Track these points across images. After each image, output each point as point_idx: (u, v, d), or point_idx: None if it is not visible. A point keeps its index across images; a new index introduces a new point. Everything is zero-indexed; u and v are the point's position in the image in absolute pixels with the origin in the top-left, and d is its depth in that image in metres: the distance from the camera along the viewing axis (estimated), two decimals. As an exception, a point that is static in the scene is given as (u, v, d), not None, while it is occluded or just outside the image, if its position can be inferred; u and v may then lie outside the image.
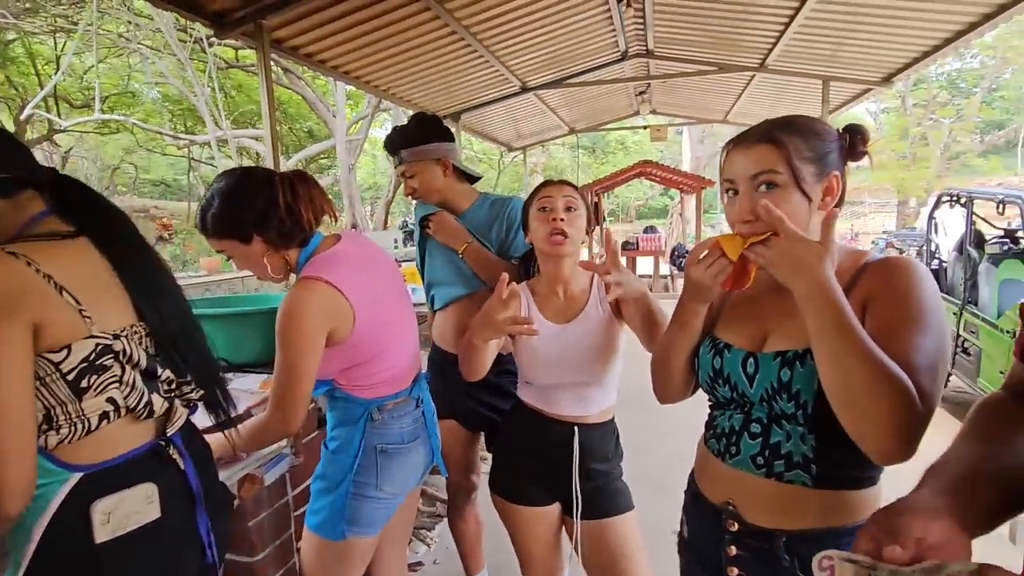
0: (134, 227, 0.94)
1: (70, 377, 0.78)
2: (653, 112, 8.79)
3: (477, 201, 1.72)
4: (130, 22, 8.71)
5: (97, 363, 0.80)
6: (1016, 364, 0.72)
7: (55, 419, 0.78)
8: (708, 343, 0.94)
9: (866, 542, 0.56)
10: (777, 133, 0.81)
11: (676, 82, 6.90)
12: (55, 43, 9.73)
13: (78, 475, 0.79)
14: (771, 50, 5.06)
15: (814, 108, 5.76)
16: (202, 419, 1.03)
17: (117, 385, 0.83)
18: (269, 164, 3.18)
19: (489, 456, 1.83)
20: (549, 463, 1.33)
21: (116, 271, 0.86)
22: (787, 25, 4.41)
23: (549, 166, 24.06)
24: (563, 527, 1.42)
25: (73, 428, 0.79)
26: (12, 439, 0.71)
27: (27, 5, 8.32)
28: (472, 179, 1.76)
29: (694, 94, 7.76)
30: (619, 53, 5.85)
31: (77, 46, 9.13)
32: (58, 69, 9.47)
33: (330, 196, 1.29)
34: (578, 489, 1.29)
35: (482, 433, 1.83)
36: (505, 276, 1.11)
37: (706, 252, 0.84)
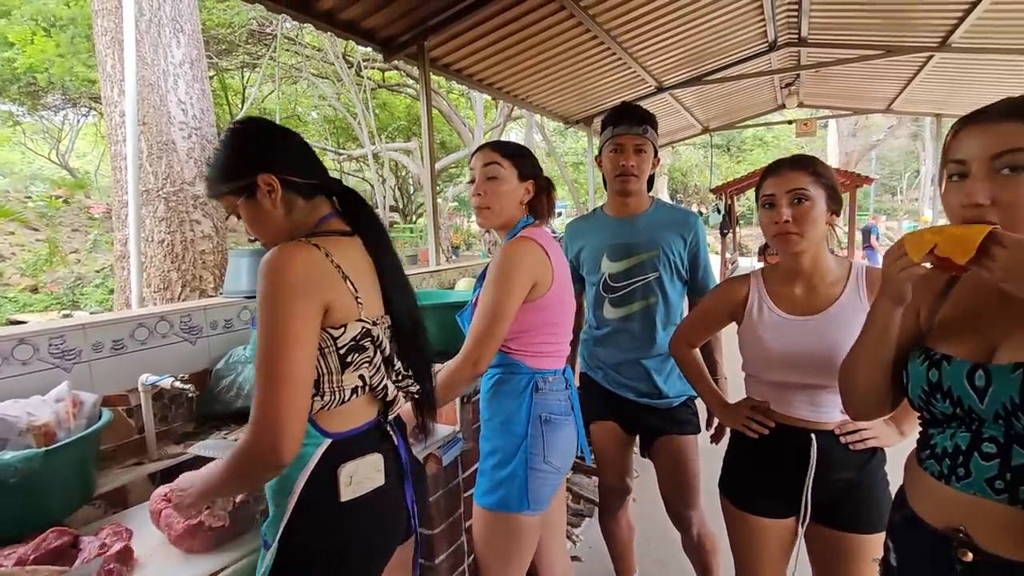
0: (388, 234, 1.09)
1: (342, 351, 0.91)
2: (800, 105, 8.09)
3: (654, 204, 1.76)
4: (304, 54, 9.99)
5: (360, 343, 0.93)
6: None
7: (322, 386, 0.90)
8: (919, 355, 0.86)
9: None
10: None
11: (830, 71, 6.27)
12: (242, 76, 11.50)
13: (328, 441, 0.91)
14: (957, 26, 4.40)
15: (1007, 91, 4.87)
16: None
17: (368, 365, 0.95)
18: (425, 173, 3.45)
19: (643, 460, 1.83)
20: (784, 474, 1.23)
21: (376, 267, 1.00)
22: (981, -6, 3.82)
23: (675, 167, 23.13)
24: (794, 540, 1.30)
25: (333, 397, 0.91)
26: (300, 397, 0.83)
27: (223, 46, 9.94)
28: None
29: (851, 83, 7.00)
30: (767, 44, 5.47)
31: (261, 78, 10.69)
32: (243, 99, 11.14)
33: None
34: (809, 502, 1.19)
35: (637, 437, 1.82)
36: None
37: (898, 247, 0.80)
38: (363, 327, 0.93)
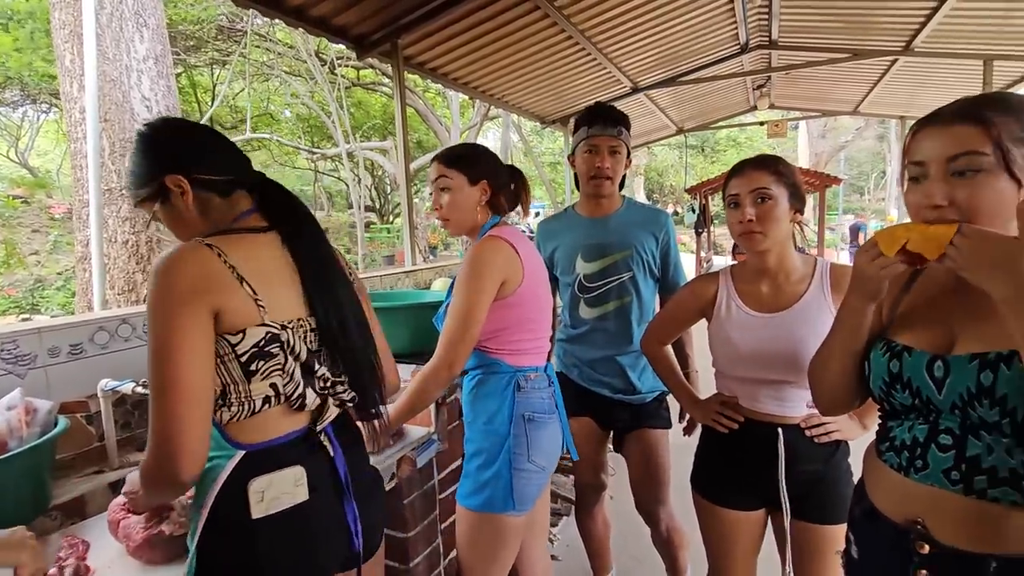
0: (319, 228, 1.00)
1: (243, 359, 0.83)
2: (772, 107, 8.26)
3: (625, 203, 1.77)
4: (276, 51, 9.80)
5: (265, 349, 0.85)
6: None
7: (229, 396, 0.84)
8: (881, 346, 0.87)
9: None
10: (985, 111, 0.74)
11: (800, 73, 6.42)
12: (212, 73, 11.22)
13: (242, 453, 0.84)
14: (919, 31, 4.55)
15: (967, 94, 5.06)
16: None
17: (279, 373, 0.87)
18: (400, 172, 3.42)
19: (617, 456, 1.83)
20: (752, 467, 1.25)
21: (296, 266, 0.93)
22: (942, 1, 3.94)
23: (651, 167, 23.39)
24: (764, 533, 1.32)
25: (242, 407, 0.85)
26: (192, 408, 0.77)
27: (192, 42, 9.70)
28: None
29: (819, 85, 7.18)
30: (739, 46, 5.57)
31: (231, 75, 10.47)
32: (214, 97, 10.88)
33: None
34: (786, 497, 1.20)
35: (611, 432, 1.83)
36: None
37: (871, 245, 0.82)
38: (267, 332, 0.85)
